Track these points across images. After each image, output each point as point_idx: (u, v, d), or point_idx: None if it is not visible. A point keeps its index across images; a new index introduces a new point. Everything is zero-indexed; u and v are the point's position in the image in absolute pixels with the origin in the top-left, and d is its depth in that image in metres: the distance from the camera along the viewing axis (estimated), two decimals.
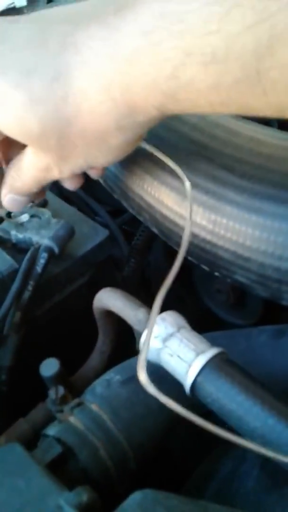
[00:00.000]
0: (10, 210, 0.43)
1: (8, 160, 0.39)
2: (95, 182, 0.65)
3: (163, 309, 0.39)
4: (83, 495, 0.28)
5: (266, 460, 0.42)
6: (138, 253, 0.65)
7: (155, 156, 0.42)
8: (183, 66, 0.26)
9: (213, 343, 0.37)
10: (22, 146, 0.36)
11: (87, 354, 0.50)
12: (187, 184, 0.36)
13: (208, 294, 0.65)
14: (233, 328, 0.65)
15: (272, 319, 0.60)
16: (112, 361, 0.49)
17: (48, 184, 0.38)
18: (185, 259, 0.48)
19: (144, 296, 0.62)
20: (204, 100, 0.27)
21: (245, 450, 0.46)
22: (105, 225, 0.80)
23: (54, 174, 0.36)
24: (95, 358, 0.47)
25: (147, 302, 0.42)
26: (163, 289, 0.32)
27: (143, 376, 0.27)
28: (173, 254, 0.73)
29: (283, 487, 0.39)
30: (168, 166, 0.41)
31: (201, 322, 0.50)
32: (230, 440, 0.30)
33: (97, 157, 0.34)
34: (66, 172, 0.35)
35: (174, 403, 0.28)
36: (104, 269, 0.54)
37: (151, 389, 0.27)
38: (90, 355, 0.49)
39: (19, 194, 0.40)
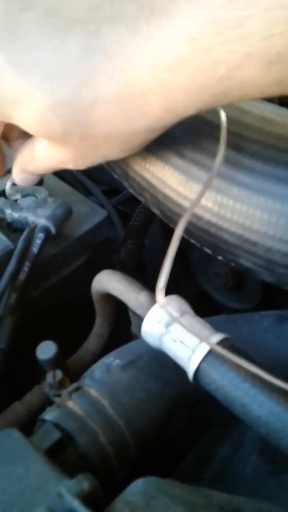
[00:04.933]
0: (22, 186, 0.43)
1: (7, 138, 0.38)
2: None
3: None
4: (84, 482, 0.27)
5: (264, 445, 0.42)
6: (136, 234, 0.64)
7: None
8: (240, 67, 0.25)
9: (214, 328, 0.36)
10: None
11: (84, 337, 0.49)
12: (223, 115, 0.34)
13: (206, 277, 0.64)
14: (231, 312, 0.64)
15: (271, 303, 0.59)
16: (107, 344, 0.48)
17: None
18: (184, 242, 0.46)
19: (139, 278, 0.61)
20: (260, 93, 0.27)
21: (242, 434, 0.46)
22: (100, 206, 0.79)
23: (69, 166, 0.35)
24: (92, 342, 0.46)
25: (143, 284, 0.41)
26: (166, 266, 0.32)
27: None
28: (170, 236, 0.72)
29: (282, 473, 0.39)
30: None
31: (199, 306, 0.49)
32: None
33: (116, 154, 0.34)
34: (81, 167, 0.35)
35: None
36: (101, 251, 0.53)
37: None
38: (87, 338, 0.48)
39: (31, 174, 0.39)
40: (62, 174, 0.79)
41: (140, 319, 0.37)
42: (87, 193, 0.79)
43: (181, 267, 0.66)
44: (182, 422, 0.59)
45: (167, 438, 0.57)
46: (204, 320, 0.39)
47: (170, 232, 0.48)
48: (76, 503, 0.26)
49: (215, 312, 0.56)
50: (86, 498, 0.27)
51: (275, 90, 0.27)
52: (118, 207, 0.79)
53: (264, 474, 0.40)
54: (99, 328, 0.46)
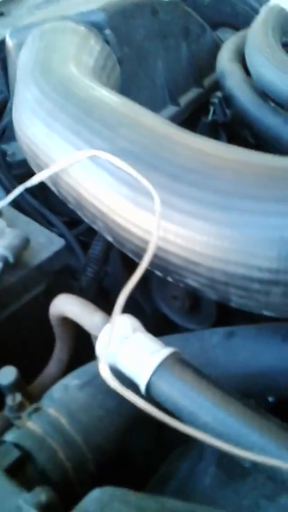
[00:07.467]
0: None
1: None
2: (51, 193, 0.67)
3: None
4: (41, 495, 0.29)
5: (222, 456, 0.44)
6: (95, 262, 0.67)
7: (109, 165, 0.44)
8: None
9: (168, 345, 0.38)
10: None
11: (46, 362, 0.50)
12: (157, 199, 0.37)
13: (165, 300, 0.66)
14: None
15: (225, 322, 0.62)
16: (70, 368, 0.50)
17: None
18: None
19: (102, 306, 0.63)
20: None
21: (201, 450, 0.48)
22: (61, 236, 0.81)
23: None
24: (52, 366, 0.47)
25: (106, 312, 0.43)
26: (126, 289, 0.34)
27: (105, 371, 0.28)
28: (130, 264, 0.74)
29: (237, 480, 0.41)
30: (121, 175, 0.43)
31: (159, 329, 0.52)
32: (186, 432, 0.31)
33: None
34: None
35: (135, 396, 0.30)
36: (60, 278, 0.55)
37: (113, 383, 0.28)
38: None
39: None
40: (23, 207, 0.82)
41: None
42: (49, 224, 0.82)
43: (141, 290, 0.69)
44: (149, 444, 0.60)
45: (135, 459, 0.58)
46: (159, 338, 0.41)
47: (128, 259, 0.51)
48: None
49: (175, 333, 0.59)
50: (44, 509, 0.28)
51: None
52: (79, 237, 0.81)
53: (221, 484, 0.42)
54: (59, 352, 0.47)
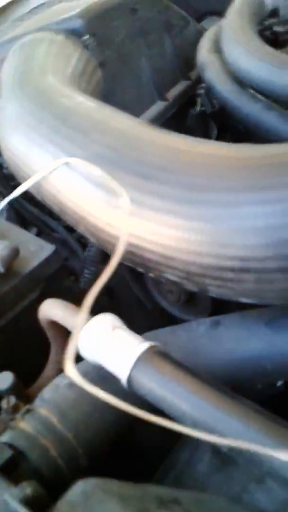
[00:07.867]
0: None
1: None
2: None
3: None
4: (27, 488, 0.30)
5: None
6: (91, 263, 0.68)
7: (82, 170, 0.45)
8: None
9: (156, 339, 0.40)
10: None
11: (45, 364, 0.52)
12: (126, 199, 0.39)
13: (162, 294, 0.68)
14: None
15: (222, 311, 0.63)
16: None
17: None
18: None
19: (108, 303, 0.64)
20: None
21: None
22: (63, 240, 0.83)
23: None
24: (49, 368, 0.49)
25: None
26: (94, 290, 0.35)
27: (71, 369, 0.30)
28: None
29: (229, 465, 0.42)
30: (94, 179, 0.44)
31: (161, 322, 0.53)
32: (161, 425, 0.33)
33: None
34: None
35: (102, 392, 0.31)
36: (55, 283, 0.56)
37: (78, 380, 0.30)
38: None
39: None
40: (26, 217, 0.84)
41: None
42: (50, 230, 0.84)
43: (140, 287, 0.70)
44: (156, 434, 0.61)
45: (142, 451, 0.59)
46: (148, 333, 0.43)
47: None
48: (19, 506, 0.29)
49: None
50: (30, 502, 0.30)
51: None
52: (81, 240, 0.83)
53: (214, 469, 0.43)
54: (55, 355, 0.49)
